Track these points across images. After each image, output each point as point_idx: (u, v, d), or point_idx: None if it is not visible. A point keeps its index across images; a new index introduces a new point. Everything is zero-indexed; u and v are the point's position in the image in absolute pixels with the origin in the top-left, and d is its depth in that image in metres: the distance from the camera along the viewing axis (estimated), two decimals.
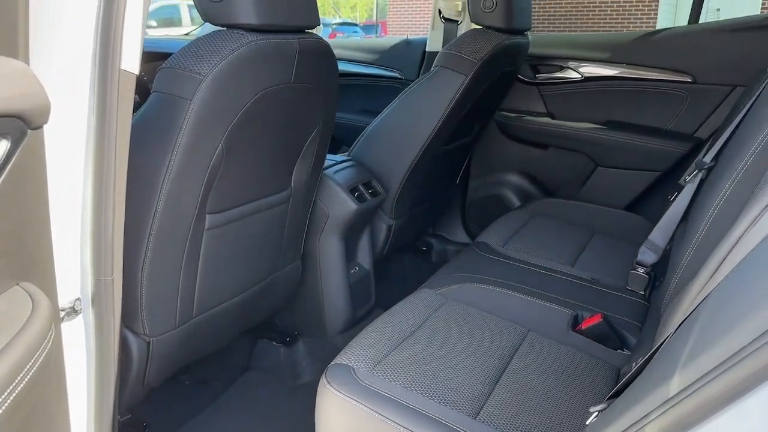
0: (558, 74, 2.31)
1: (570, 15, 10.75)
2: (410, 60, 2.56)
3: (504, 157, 2.44)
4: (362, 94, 2.71)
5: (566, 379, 1.11)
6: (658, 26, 9.64)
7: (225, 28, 1.15)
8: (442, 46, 2.28)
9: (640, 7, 10.33)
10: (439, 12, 2.38)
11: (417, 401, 1.00)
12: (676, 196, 1.50)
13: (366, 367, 1.07)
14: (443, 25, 2.37)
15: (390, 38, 2.80)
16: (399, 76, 2.59)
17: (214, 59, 1.08)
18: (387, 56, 2.63)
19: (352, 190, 1.73)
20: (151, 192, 1.11)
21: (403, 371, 1.07)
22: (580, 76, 2.26)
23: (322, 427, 1.06)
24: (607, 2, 10.48)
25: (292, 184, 1.47)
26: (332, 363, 1.10)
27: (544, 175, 2.41)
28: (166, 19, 9.62)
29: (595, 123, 2.25)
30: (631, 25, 10.30)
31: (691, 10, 2.31)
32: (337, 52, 2.70)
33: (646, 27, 9.98)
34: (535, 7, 10.63)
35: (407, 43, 2.63)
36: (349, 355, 1.11)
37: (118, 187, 0.96)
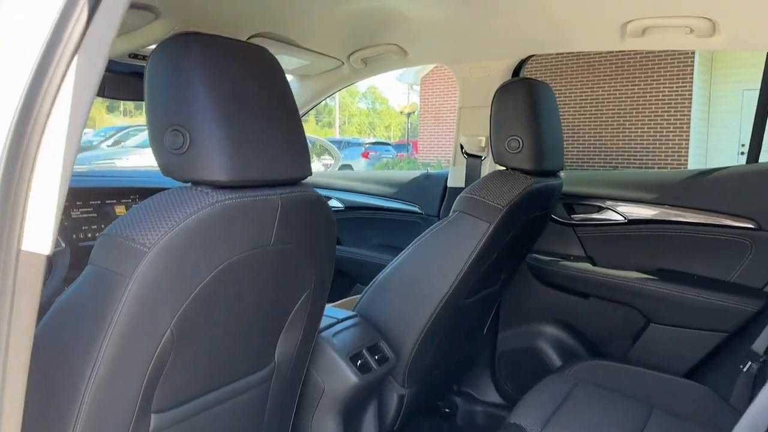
0: (596, 215, 2.05)
1: (594, 156, 10.77)
2: (431, 194, 2.39)
3: (538, 305, 2.14)
4: (380, 229, 2.56)
5: None
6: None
7: (189, 185, 0.93)
8: (465, 184, 2.13)
9: (669, 153, 10.27)
10: (461, 147, 2.19)
11: None
12: (750, 366, 1.20)
13: None
14: (466, 160, 2.18)
15: (409, 172, 2.65)
16: (419, 211, 2.44)
17: (166, 225, 0.85)
18: (406, 190, 2.49)
19: (354, 358, 1.44)
20: (74, 388, 0.85)
21: None
22: (622, 218, 2.00)
23: None
24: (634, 145, 10.49)
25: (276, 359, 1.19)
26: None
27: (585, 328, 2.09)
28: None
29: (643, 272, 1.95)
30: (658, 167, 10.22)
31: (750, 147, 2.07)
32: (354, 184, 2.61)
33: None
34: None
35: (427, 177, 2.48)
36: None
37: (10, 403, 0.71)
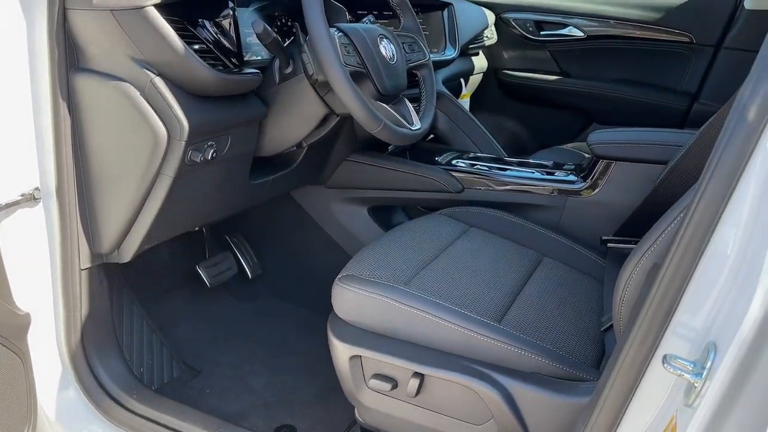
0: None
1: None
2: (710, 18, 2.14)
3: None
4: (626, 62, 2.32)
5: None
6: None
7: None
8: None
9: None
10: None
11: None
12: None
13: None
14: None
15: None
16: (689, 41, 2.19)
17: None
18: (674, 14, 2.19)
19: None
20: None
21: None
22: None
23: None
24: None
25: None
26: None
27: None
28: None
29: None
30: None
31: None
32: (600, 8, 2.32)
33: None
34: None
35: (705, 0, 2.19)
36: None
37: None
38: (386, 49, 1.29)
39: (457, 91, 2.30)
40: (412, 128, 1.31)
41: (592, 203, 1.50)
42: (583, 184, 1.51)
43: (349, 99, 1.13)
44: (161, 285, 1.67)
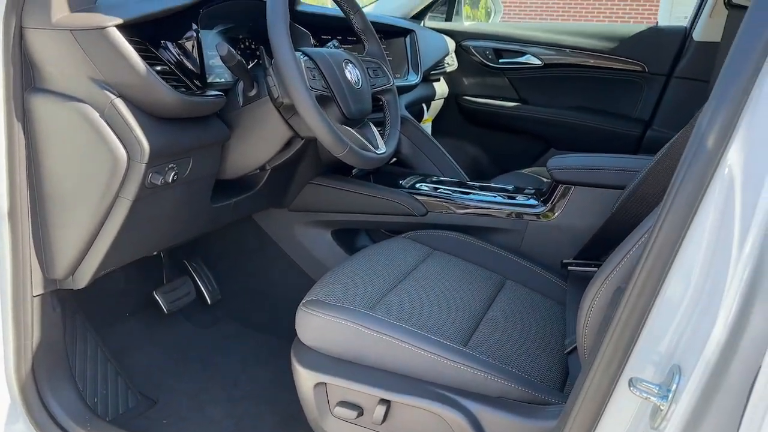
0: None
1: (570, 8, 10.92)
2: (661, 50, 2.25)
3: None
4: (583, 89, 2.40)
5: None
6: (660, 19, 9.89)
7: None
8: (722, 39, 2.00)
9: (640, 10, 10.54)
10: None
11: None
12: None
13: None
14: (728, 12, 2.00)
15: (630, 25, 2.47)
16: (642, 69, 2.29)
17: None
18: (627, 45, 2.28)
19: None
20: None
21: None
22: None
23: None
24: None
25: None
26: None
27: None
28: None
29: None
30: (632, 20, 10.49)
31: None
32: (558, 38, 2.40)
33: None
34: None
35: (657, 31, 2.32)
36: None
37: None
38: (351, 73, 1.30)
39: (419, 116, 2.32)
40: (378, 152, 1.32)
41: (553, 227, 1.53)
42: (544, 207, 1.53)
43: (315, 123, 1.13)
44: (117, 311, 1.61)
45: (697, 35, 2.16)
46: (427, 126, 2.45)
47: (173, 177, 1.14)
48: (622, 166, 1.45)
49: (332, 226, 1.73)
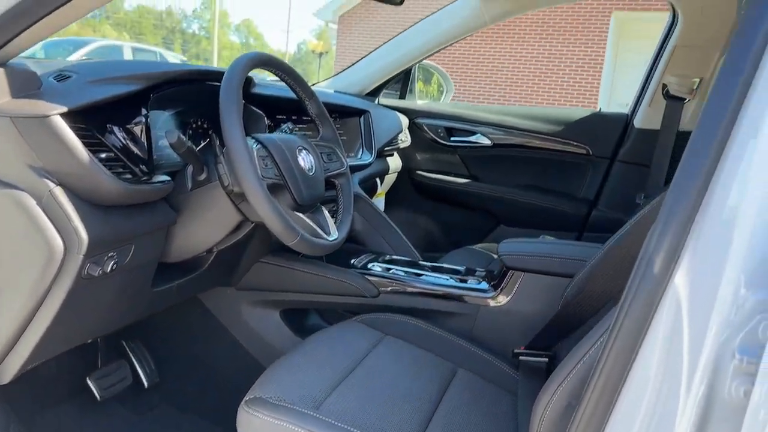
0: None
1: (512, 90, 11.42)
2: (605, 135, 2.34)
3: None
4: (532, 169, 2.46)
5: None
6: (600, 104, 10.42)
7: None
8: (661, 126, 2.16)
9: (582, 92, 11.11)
10: (663, 87, 2.16)
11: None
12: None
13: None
14: (665, 102, 2.15)
15: (575, 109, 2.57)
16: (587, 152, 2.36)
17: None
18: (572, 129, 2.37)
19: None
20: None
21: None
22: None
23: None
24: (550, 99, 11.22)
25: None
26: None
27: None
28: None
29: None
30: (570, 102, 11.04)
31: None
32: (505, 119, 2.47)
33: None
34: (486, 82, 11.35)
35: (600, 117, 2.44)
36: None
37: None
38: (305, 160, 1.29)
39: (372, 190, 2.33)
40: (329, 238, 1.30)
41: (504, 312, 1.53)
42: (494, 293, 1.54)
43: (266, 212, 1.11)
44: (46, 400, 1.50)
45: (638, 122, 2.27)
46: (380, 200, 2.46)
47: (112, 266, 1.08)
48: (570, 254, 1.48)
49: (281, 305, 1.68)
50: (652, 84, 2.21)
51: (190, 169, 1.24)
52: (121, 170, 1.07)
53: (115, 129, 1.11)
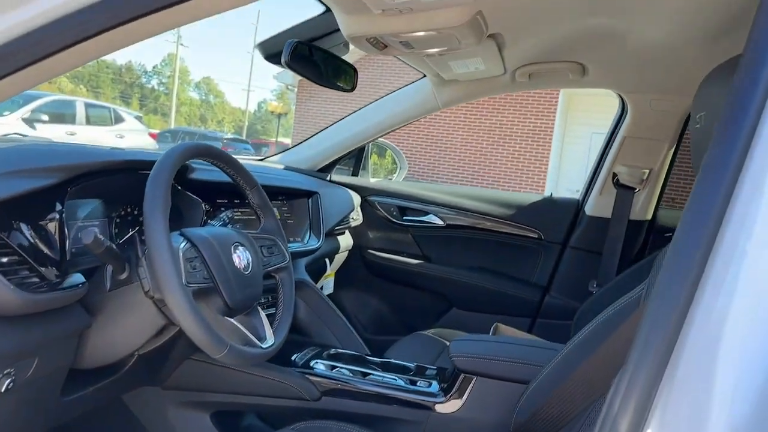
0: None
1: (458, 172, 11.65)
2: (556, 220, 2.35)
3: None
4: (483, 252, 2.44)
5: None
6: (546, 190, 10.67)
7: None
8: (612, 214, 2.18)
9: (528, 181, 11.39)
10: (614, 176, 2.20)
11: None
12: None
13: None
14: (616, 191, 2.19)
15: (527, 194, 2.61)
16: (539, 237, 2.35)
17: None
18: (524, 213, 2.37)
19: None
20: None
21: None
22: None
23: None
24: (503, 168, 11.49)
25: None
26: None
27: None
28: (58, 114, 9.25)
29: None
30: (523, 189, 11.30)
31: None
32: (458, 200, 2.42)
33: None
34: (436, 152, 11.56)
35: (552, 202, 2.44)
36: None
37: None
38: (240, 257, 1.19)
39: (321, 272, 2.23)
40: (263, 346, 1.19)
41: (455, 420, 1.42)
42: (444, 398, 1.43)
43: (188, 324, 1.00)
44: None
45: (589, 210, 2.26)
46: (329, 281, 2.35)
47: (8, 385, 0.94)
48: (525, 358, 1.39)
49: (212, 407, 1.54)
50: (603, 172, 2.22)
51: (109, 268, 1.12)
52: (27, 273, 0.95)
53: (23, 227, 0.99)
